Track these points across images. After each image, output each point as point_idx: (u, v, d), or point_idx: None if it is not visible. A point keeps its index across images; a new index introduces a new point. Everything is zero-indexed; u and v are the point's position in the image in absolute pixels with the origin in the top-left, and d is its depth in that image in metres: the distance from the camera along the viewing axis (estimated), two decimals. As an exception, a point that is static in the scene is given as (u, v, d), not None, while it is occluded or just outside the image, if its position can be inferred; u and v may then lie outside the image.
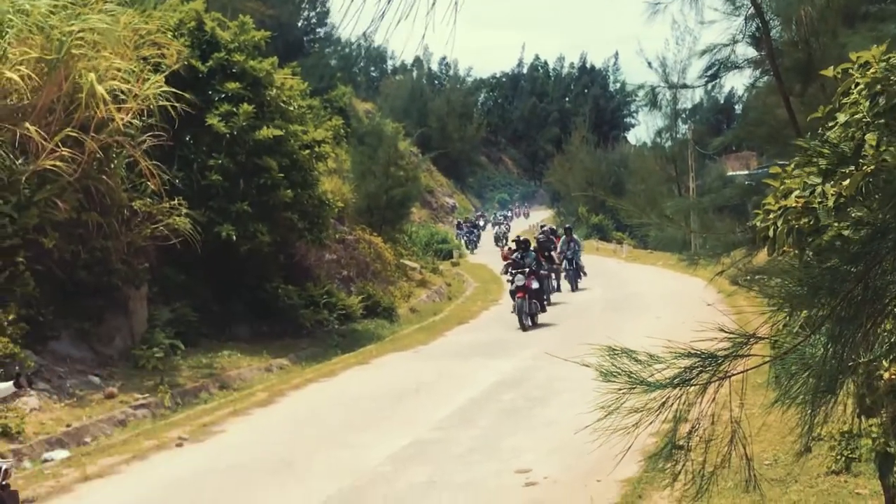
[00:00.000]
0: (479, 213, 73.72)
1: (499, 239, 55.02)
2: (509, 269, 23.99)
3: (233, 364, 17.67)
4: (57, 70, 14.78)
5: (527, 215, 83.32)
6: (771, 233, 5.15)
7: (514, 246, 25.22)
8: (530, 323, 22.96)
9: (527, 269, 23.23)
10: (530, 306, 23.12)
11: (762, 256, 6.59)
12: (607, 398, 3.15)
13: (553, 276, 30.51)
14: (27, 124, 14.22)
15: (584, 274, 34.04)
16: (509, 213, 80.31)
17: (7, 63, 14.47)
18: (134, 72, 16.05)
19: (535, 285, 23.48)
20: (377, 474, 10.39)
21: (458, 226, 60.96)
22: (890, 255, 2.80)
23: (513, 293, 23.35)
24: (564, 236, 33.88)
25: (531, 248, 25.04)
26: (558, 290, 31.47)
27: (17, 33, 14.78)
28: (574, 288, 32.40)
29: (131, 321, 16.65)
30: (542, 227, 40.65)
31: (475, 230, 59.17)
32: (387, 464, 10.79)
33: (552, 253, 29.17)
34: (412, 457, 11.06)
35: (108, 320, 16.16)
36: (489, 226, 67.87)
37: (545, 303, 25.18)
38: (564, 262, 32.56)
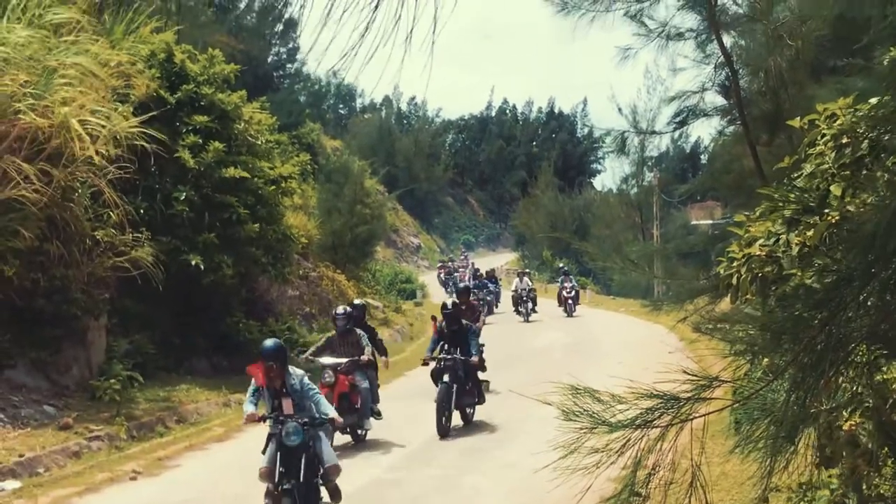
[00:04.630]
0: (441, 263, 57.57)
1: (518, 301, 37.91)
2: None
3: (191, 398, 17.46)
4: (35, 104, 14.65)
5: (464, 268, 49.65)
6: (734, 280, 5.18)
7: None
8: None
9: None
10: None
11: (725, 304, 6.62)
12: (568, 437, 3.12)
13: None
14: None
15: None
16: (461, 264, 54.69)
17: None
18: (105, 109, 15.90)
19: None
20: (333, 513, 10.29)
21: (448, 272, 50.47)
22: (854, 302, 2.81)
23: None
24: (343, 313, 14.90)
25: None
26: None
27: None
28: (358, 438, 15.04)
29: (89, 351, 16.43)
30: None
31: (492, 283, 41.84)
32: None
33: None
34: (370, 498, 10.96)
35: (66, 350, 15.94)
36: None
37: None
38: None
